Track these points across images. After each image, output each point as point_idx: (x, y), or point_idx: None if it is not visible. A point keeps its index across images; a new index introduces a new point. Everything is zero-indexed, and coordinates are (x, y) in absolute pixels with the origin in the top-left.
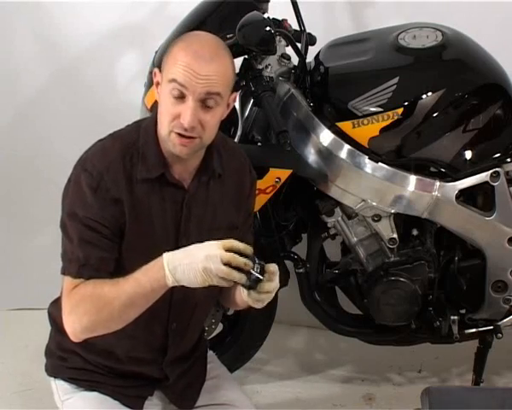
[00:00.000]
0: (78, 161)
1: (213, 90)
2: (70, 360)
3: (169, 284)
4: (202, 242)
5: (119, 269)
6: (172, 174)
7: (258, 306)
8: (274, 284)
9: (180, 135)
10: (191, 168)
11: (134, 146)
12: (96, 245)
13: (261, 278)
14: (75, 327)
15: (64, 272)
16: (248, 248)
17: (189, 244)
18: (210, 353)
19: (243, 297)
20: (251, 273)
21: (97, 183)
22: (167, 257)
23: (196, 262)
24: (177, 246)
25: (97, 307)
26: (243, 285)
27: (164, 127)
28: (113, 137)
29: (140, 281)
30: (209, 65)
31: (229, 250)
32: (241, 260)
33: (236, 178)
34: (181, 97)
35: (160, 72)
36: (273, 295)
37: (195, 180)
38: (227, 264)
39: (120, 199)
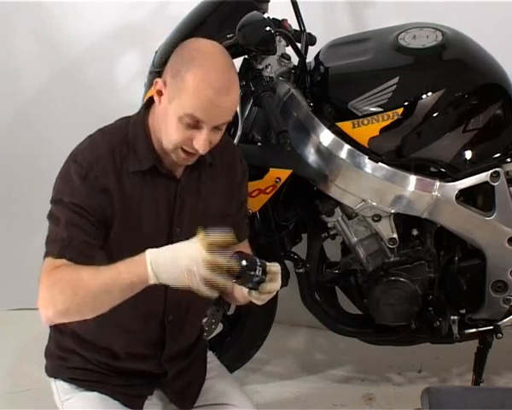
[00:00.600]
0: (69, 155)
1: (228, 119)
2: (70, 359)
3: (150, 282)
4: (195, 232)
5: (109, 260)
6: (164, 166)
7: (259, 303)
8: (276, 284)
9: (188, 152)
10: None
11: (124, 140)
12: (82, 228)
13: (264, 278)
14: (48, 309)
15: (46, 254)
16: (227, 237)
17: (182, 234)
18: (209, 353)
19: (244, 294)
20: (253, 276)
21: (86, 172)
22: (151, 255)
23: (180, 263)
24: (170, 236)
25: (73, 290)
26: (245, 287)
27: (169, 143)
28: (102, 132)
29: (121, 272)
30: (228, 96)
31: (210, 247)
32: (223, 265)
33: (227, 169)
34: (195, 126)
35: (163, 82)
36: (274, 294)
37: (187, 171)
38: (210, 268)
39: (109, 190)
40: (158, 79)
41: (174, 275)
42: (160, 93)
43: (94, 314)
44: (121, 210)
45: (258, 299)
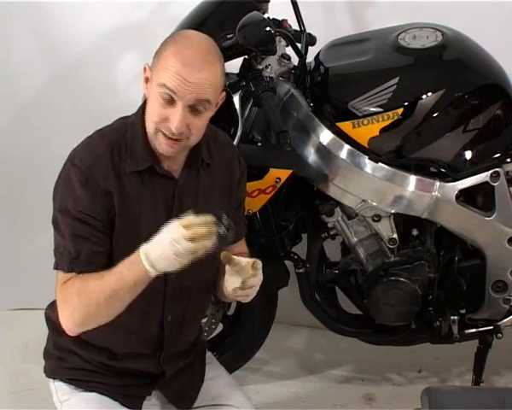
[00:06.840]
0: (68, 157)
1: (203, 98)
2: (68, 360)
3: (152, 275)
4: None
5: (110, 261)
6: (161, 166)
7: (245, 300)
8: (257, 278)
9: (167, 136)
10: (180, 160)
11: (122, 141)
12: (88, 239)
13: (227, 234)
14: (68, 322)
15: (56, 267)
16: (207, 219)
17: None
18: (208, 353)
19: (230, 292)
20: (219, 232)
21: (86, 177)
22: (143, 251)
23: (166, 250)
24: None
25: (85, 303)
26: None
27: (151, 126)
28: (100, 133)
29: (123, 275)
30: (199, 73)
31: (187, 224)
32: (203, 232)
33: (226, 169)
34: (170, 101)
35: (150, 68)
36: (257, 288)
37: (185, 171)
38: (192, 239)
39: (110, 191)
40: (146, 65)
41: (168, 262)
42: (147, 80)
43: (112, 317)
44: (121, 211)
45: (245, 295)
